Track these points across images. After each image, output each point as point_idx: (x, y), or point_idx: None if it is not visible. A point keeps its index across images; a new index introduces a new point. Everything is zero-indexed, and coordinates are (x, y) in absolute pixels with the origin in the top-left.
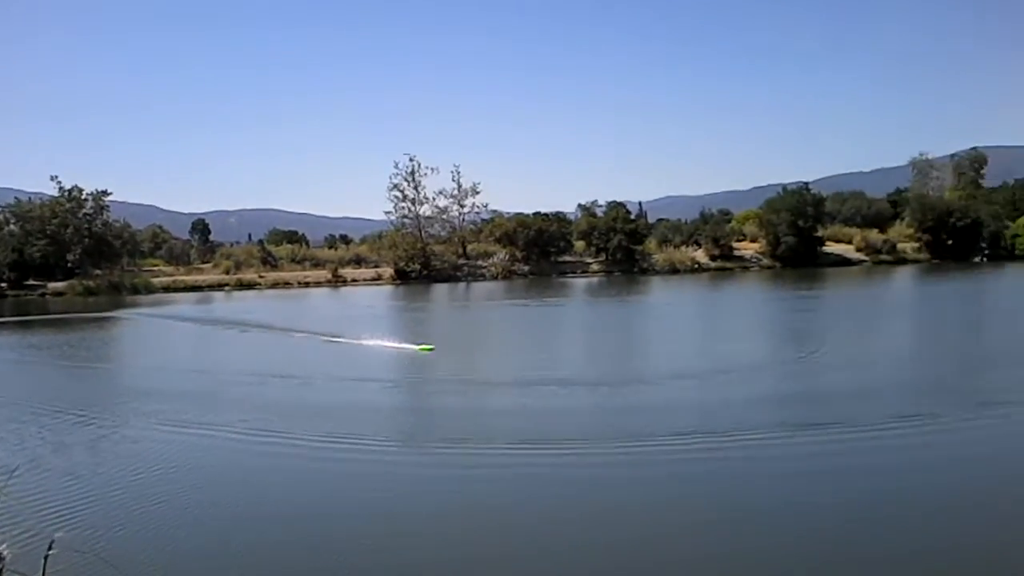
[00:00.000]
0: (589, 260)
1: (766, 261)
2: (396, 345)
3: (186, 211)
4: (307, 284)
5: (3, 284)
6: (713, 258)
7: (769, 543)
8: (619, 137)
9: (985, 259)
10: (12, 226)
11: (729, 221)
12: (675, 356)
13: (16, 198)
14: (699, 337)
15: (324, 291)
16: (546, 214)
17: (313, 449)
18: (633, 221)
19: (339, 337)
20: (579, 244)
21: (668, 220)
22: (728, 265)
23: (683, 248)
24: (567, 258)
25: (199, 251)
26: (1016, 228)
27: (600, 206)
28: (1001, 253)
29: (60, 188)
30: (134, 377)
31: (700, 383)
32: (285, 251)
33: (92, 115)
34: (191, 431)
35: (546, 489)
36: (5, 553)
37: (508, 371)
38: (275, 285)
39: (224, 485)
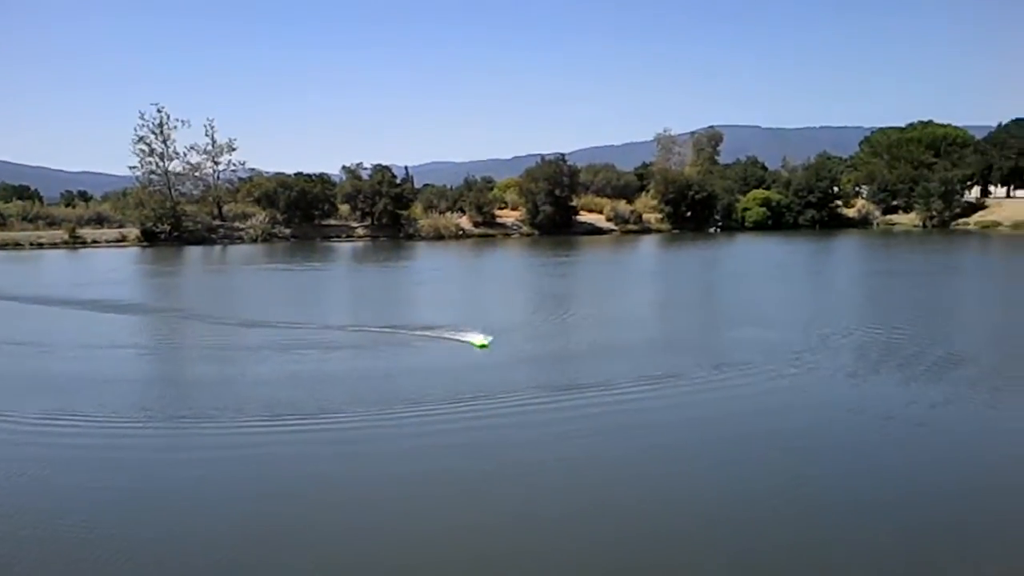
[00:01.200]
0: (354, 224)
1: (526, 229)
2: (451, 338)
3: None
4: (40, 245)
5: None
6: (477, 225)
7: (524, 506)
8: (386, 99)
9: (719, 230)
10: None
11: (492, 189)
12: (435, 320)
13: None
14: (462, 301)
15: (61, 253)
16: (309, 175)
17: (29, 429)
18: (399, 185)
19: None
20: (344, 207)
21: (434, 186)
22: (491, 232)
23: (448, 214)
24: (331, 222)
25: None
26: (746, 202)
27: (365, 169)
28: (733, 224)
29: None
30: None
31: (457, 347)
32: (15, 208)
33: None
34: None
35: (288, 468)
36: None
37: (265, 335)
38: (4, 246)
39: None
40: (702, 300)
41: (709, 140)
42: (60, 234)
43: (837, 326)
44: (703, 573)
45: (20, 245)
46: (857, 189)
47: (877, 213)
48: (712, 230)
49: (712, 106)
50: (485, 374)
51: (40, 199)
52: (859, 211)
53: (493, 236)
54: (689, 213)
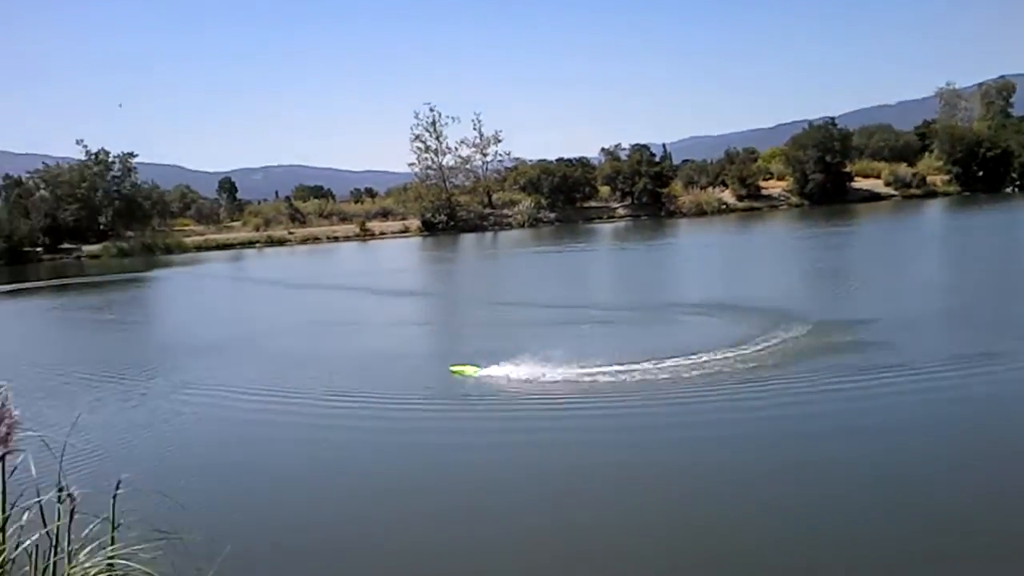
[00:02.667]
0: (615, 205)
1: (794, 199)
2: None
3: (211, 170)
4: (336, 239)
5: (38, 248)
6: (740, 198)
7: (826, 502)
8: (641, 79)
9: (1017, 189)
10: (43, 191)
11: (755, 160)
12: (707, 298)
13: (44, 164)
14: (731, 277)
15: (353, 245)
16: (569, 160)
17: (320, 406)
18: (658, 164)
19: None
20: (604, 189)
21: (693, 161)
22: (756, 205)
23: (709, 189)
24: (593, 204)
25: (227, 209)
26: None
27: (624, 149)
28: None
29: (87, 152)
30: (182, 334)
31: (739, 321)
32: (312, 206)
33: (113, 77)
34: (229, 391)
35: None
36: (76, 494)
37: (541, 315)
38: (305, 241)
39: (250, 444)
40: (1008, 269)
41: (1000, 91)
42: (352, 228)
43: None
44: None
45: (318, 239)
46: None
47: None
48: (1009, 190)
49: (1001, 54)
50: (759, 353)
51: (332, 197)
52: None
53: (759, 209)
54: (980, 173)
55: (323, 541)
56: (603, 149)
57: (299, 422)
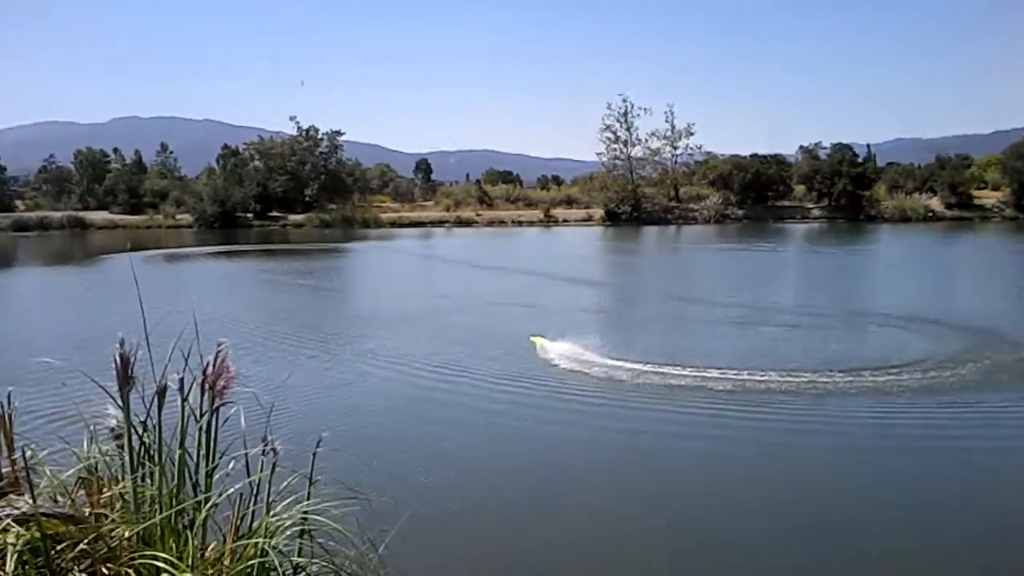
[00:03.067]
0: (810, 205)
1: (1009, 211)
2: None
3: (409, 151)
4: (520, 223)
5: (249, 215)
6: (949, 206)
7: None
8: (847, 75)
9: None
10: (257, 162)
11: (968, 167)
12: (901, 308)
13: (260, 136)
14: (945, 289)
15: (536, 230)
16: (764, 156)
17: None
18: (860, 165)
19: None
20: (799, 188)
21: (899, 164)
22: (966, 214)
23: (916, 195)
24: (785, 203)
25: (422, 189)
26: None
27: (824, 148)
28: None
29: (298, 128)
30: (372, 304)
31: (942, 337)
32: (500, 191)
33: (325, 61)
34: (412, 363)
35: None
36: (279, 448)
37: (720, 313)
38: (491, 223)
39: (428, 416)
40: None
41: None
42: (536, 213)
43: None
44: None
45: (504, 222)
46: None
47: None
48: None
49: None
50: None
51: (520, 183)
52: None
53: (969, 219)
54: None
55: (490, 513)
56: (802, 147)
57: (470, 404)
